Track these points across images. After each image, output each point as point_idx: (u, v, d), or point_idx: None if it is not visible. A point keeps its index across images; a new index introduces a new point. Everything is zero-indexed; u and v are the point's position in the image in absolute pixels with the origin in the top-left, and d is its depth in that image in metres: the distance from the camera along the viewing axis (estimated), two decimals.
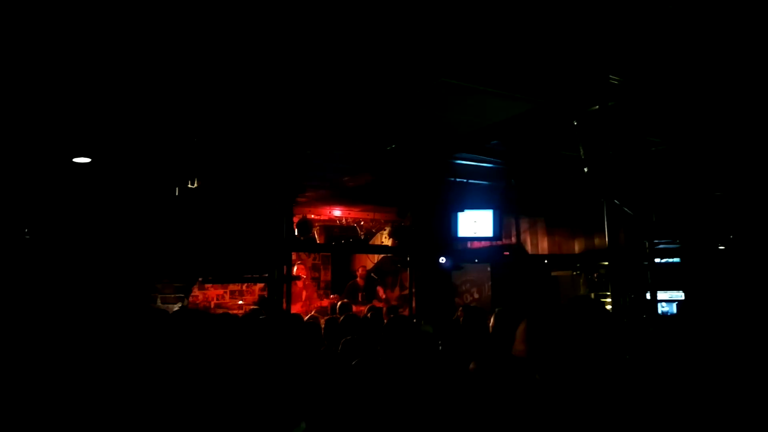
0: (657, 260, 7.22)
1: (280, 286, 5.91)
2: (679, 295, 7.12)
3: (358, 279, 9.72)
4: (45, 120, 4.13)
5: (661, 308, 7.14)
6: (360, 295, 9.60)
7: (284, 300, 7.09)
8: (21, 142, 4.45)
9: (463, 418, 2.13)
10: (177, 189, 5.59)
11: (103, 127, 4.41)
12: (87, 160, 4.89)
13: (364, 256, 10.33)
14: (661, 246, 6.13)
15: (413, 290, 7.93)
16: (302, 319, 6.54)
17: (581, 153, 4.42)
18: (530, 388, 2.10)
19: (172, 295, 6.65)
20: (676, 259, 6.81)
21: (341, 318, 5.76)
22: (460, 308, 5.75)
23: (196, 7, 2.95)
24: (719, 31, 3.54)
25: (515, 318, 4.28)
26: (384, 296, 9.83)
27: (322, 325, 5.49)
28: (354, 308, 8.23)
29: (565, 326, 1.70)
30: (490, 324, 4.95)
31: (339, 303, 8.20)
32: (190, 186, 5.70)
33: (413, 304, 7.83)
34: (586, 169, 4.32)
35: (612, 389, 1.59)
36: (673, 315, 6.89)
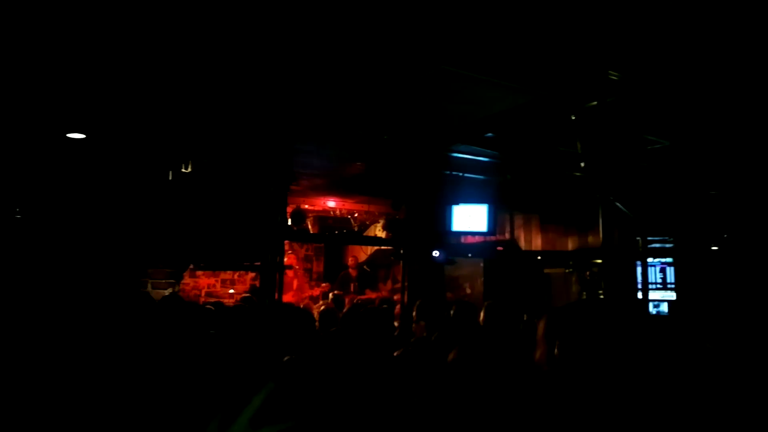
0: (650, 260, 7.26)
1: (272, 274, 5.88)
2: (671, 295, 7.17)
3: (350, 270, 9.71)
4: (40, 93, 4.07)
5: (654, 308, 7.17)
6: (352, 285, 9.59)
7: (276, 289, 7.08)
8: (14, 114, 4.39)
9: (444, 407, 2.13)
10: (170, 173, 5.54)
11: (99, 104, 4.36)
12: (81, 136, 4.82)
13: (357, 248, 10.31)
14: (654, 245, 6.16)
15: (405, 284, 7.93)
16: (295, 306, 6.52)
17: (578, 149, 4.41)
18: (523, 380, 2.10)
19: (163, 281, 6.61)
20: (669, 259, 6.85)
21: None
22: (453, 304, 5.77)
23: None
24: (717, 30, 3.54)
25: (505, 312, 4.29)
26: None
27: (315, 315, 5.49)
28: (347, 299, 8.23)
29: (586, 328, 1.68)
30: (481, 317, 4.98)
31: (332, 295, 8.19)
32: (183, 170, 5.65)
33: (405, 298, 7.83)
34: (582, 164, 4.31)
35: (618, 391, 1.59)
36: (665, 315, 6.93)
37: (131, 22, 3.23)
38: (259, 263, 5.87)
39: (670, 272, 7.17)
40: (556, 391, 1.63)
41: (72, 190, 5.19)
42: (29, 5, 2.92)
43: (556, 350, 1.68)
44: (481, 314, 4.98)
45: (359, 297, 8.55)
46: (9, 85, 3.90)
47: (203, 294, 9.20)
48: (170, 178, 5.66)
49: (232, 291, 9.51)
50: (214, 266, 7.68)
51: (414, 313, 4.81)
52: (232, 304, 7.15)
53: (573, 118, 4.36)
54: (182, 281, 8.18)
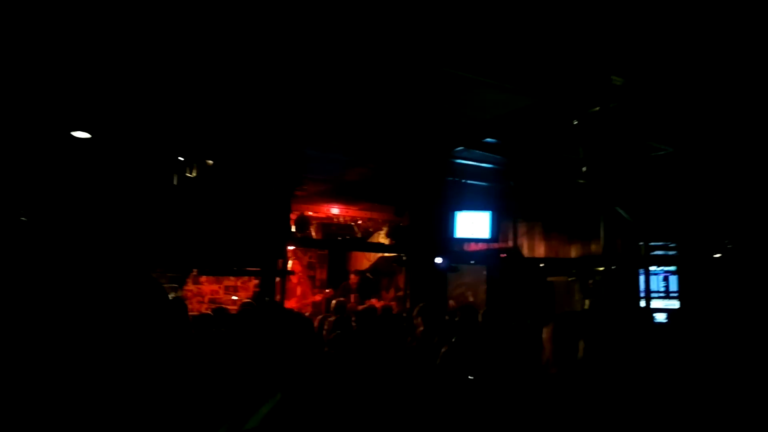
0: (653, 269, 7.21)
1: (274, 280, 5.86)
2: (674, 304, 7.09)
3: (350, 282, 9.70)
4: (44, 89, 4.09)
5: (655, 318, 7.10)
6: (352, 297, 9.56)
7: (278, 295, 7.06)
8: (20, 112, 4.39)
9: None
10: (176, 177, 5.55)
11: (106, 103, 4.38)
12: (86, 135, 4.83)
13: (360, 255, 10.29)
14: (657, 253, 6.11)
15: (408, 291, 7.89)
16: (295, 311, 6.48)
17: (580, 154, 4.40)
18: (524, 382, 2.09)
19: (166, 285, 6.62)
20: (672, 268, 6.79)
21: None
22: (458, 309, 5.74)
23: None
24: (720, 35, 3.54)
25: (501, 317, 4.28)
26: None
27: (315, 324, 5.46)
28: (349, 307, 8.19)
29: (594, 332, 1.68)
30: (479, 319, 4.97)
31: (334, 302, 8.17)
32: (188, 175, 5.66)
33: (407, 305, 7.78)
34: (584, 169, 4.29)
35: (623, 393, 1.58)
36: (664, 323, 6.85)
37: (140, 24, 3.25)
38: (260, 269, 5.85)
39: (673, 281, 7.11)
40: (571, 392, 1.61)
41: (76, 191, 5.19)
42: (35, 4, 2.94)
43: (565, 352, 1.67)
44: (479, 318, 4.99)
45: (360, 307, 8.50)
46: (13, 81, 3.92)
47: (206, 300, 9.16)
48: (175, 182, 5.67)
49: (235, 297, 9.48)
50: (216, 271, 7.65)
51: (416, 318, 4.80)
52: (235, 311, 7.13)
53: (575, 123, 4.35)
54: (185, 287, 8.18)
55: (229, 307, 8.33)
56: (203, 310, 8.13)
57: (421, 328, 4.62)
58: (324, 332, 5.21)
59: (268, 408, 1.06)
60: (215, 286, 9.23)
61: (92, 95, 4.21)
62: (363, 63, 3.53)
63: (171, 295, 6.33)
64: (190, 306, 7.25)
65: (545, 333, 1.79)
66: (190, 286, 8.81)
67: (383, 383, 2.55)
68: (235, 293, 9.64)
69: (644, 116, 4.48)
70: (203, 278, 8.93)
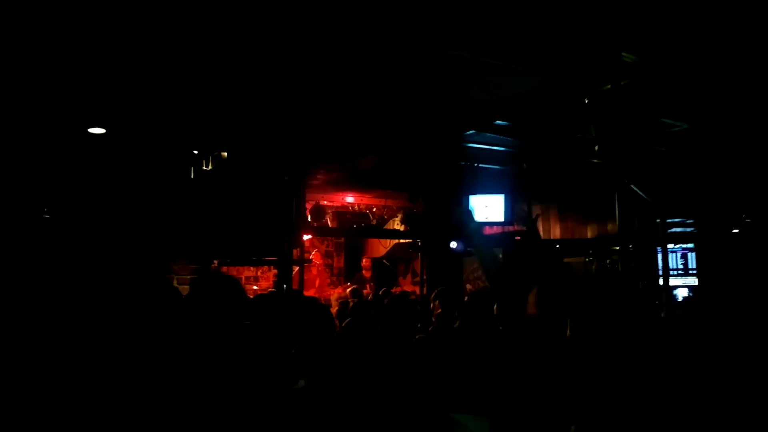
0: (671, 246, 7.13)
1: (291, 268, 5.91)
2: (693, 281, 7.02)
3: (363, 271, 9.76)
4: (59, 87, 4.16)
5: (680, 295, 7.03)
6: (368, 285, 9.63)
7: (297, 284, 7.13)
8: (35, 109, 4.48)
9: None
10: (192, 170, 5.63)
11: (121, 100, 4.44)
12: (102, 131, 4.90)
13: (376, 243, 10.33)
14: (675, 230, 6.02)
15: (424, 277, 7.92)
16: (313, 298, 6.57)
17: (593, 133, 4.35)
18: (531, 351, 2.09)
19: (188, 277, 6.72)
20: (690, 245, 6.70)
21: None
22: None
23: None
24: (735, 6, 3.45)
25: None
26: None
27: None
28: (364, 294, 8.26)
29: (576, 291, 1.69)
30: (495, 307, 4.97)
31: (350, 289, 8.24)
32: (204, 168, 5.74)
33: (424, 290, 7.82)
34: (597, 147, 4.24)
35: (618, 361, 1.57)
36: (686, 300, 6.78)
37: (151, 19, 3.29)
38: (277, 258, 5.90)
39: (692, 258, 7.03)
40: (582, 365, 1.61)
41: (96, 187, 5.30)
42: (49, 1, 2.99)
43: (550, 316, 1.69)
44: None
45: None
46: (27, 81, 3.99)
47: None
48: (192, 175, 5.75)
49: (255, 287, 9.61)
50: (236, 261, 7.75)
51: (434, 301, 4.82)
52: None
53: (587, 102, 4.29)
54: None
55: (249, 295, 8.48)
56: None
57: (439, 311, 4.65)
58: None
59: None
60: (236, 276, 9.37)
61: (106, 92, 4.28)
62: (370, 49, 3.52)
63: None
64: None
65: (531, 297, 1.83)
66: None
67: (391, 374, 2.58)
68: (256, 283, 9.77)
69: (657, 92, 4.40)
70: (224, 269, 9.06)
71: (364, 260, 9.81)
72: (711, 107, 4.71)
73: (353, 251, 10.69)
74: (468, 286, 8.60)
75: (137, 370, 2.17)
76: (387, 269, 10.02)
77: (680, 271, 7.25)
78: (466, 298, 5.36)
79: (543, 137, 5.53)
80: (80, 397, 2.13)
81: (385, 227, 9.72)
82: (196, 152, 5.58)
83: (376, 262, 10.04)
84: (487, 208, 6.86)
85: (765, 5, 3.38)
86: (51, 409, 2.12)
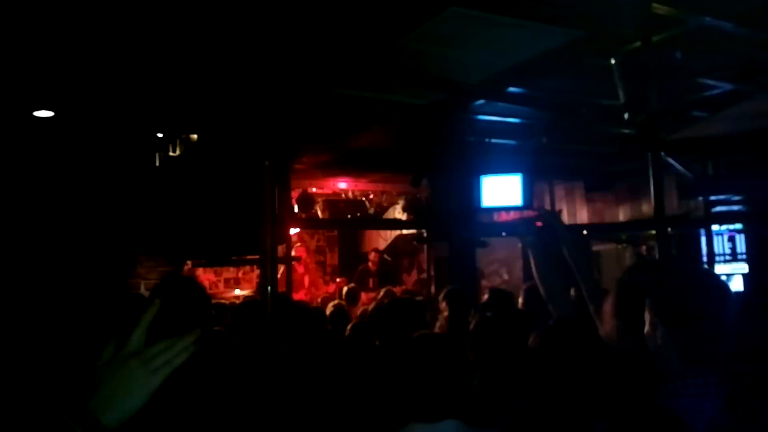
0: (716, 228, 7.16)
1: (276, 268, 5.94)
2: (743, 267, 7.04)
3: (369, 264, 9.81)
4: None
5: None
6: (371, 281, 9.69)
7: (285, 286, 7.16)
8: None
9: None
10: (157, 156, 5.64)
11: (71, 78, 4.43)
12: (49, 113, 4.89)
13: (375, 235, 10.39)
14: (721, 209, 6.03)
15: (431, 273, 7.96)
16: (304, 303, 6.62)
17: (621, 98, 4.34)
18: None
19: (156, 282, 6.77)
20: (739, 226, 6.72)
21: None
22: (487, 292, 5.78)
23: None
24: None
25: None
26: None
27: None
28: (363, 295, 8.33)
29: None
30: (520, 303, 4.99)
31: (345, 289, 8.29)
32: (171, 154, 5.75)
33: (432, 289, 7.86)
34: (626, 116, 4.25)
35: None
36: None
37: None
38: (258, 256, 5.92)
39: (741, 241, 7.05)
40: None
41: (44, 179, 5.31)
42: None
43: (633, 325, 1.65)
44: (520, 299, 5.01)
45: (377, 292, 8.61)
46: None
47: None
48: (157, 163, 5.76)
49: (237, 291, 9.66)
50: (212, 261, 7.79)
51: (441, 301, 4.85)
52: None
53: (613, 62, 4.29)
54: None
55: (230, 302, 8.54)
56: None
57: (446, 313, 4.68)
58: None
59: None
60: (212, 277, 9.43)
61: (53, 69, 4.27)
62: (360, 4, 3.52)
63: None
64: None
65: (607, 306, 1.78)
66: None
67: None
68: (237, 286, 9.83)
69: (696, 49, 4.39)
70: (199, 270, 9.12)
71: (372, 254, 9.87)
72: (759, 64, 4.71)
73: (349, 246, 10.75)
74: (484, 282, 8.65)
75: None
76: (389, 265, 10.08)
77: (728, 257, 7.28)
78: (485, 297, 5.41)
79: (564, 105, 5.52)
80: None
81: (384, 216, 9.76)
82: (160, 135, 5.58)
83: (376, 257, 10.10)
84: (503, 190, 6.88)
85: None
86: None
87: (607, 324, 1.77)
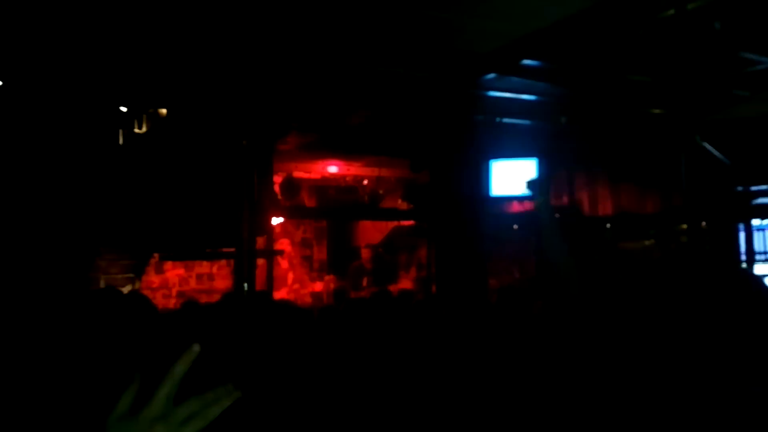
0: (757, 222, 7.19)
1: (254, 262, 5.96)
2: None
3: (363, 261, 9.85)
4: None
5: None
6: (366, 279, 9.73)
7: (266, 283, 7.20)
8: None
9: None
10: (121, 134, 5.63)
11: (22, 43, 4.42)
12: None
13: (369, 226, 10.41)
14: (760, 201, 6.06)
15: (432, 270, 8.00)
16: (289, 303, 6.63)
17: (651, 74, 4.37)
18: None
19: (120, 276, 6.78)
20: None
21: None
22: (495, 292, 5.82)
23: None
24: None
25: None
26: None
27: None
28: (353, 295, 8.37)
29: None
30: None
31: (333, 289, 8.34)
32: (137, 131, 5.74)
33: (433, 288, 7.90)
34: (657, 94, 4.27)
35: None
36: None
37: None
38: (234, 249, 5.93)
39: None
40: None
41: None
42: None
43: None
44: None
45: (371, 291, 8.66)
46: None
47: (174, 293, 9.40)
48: (121, 141, 5.75)
49: (210, 287, 9.69)
50: (183, 255, 7.81)
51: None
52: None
53: (642, 33, 4.30)
54: (146, 277, 8.38)
55: (204, 299, 8.57)
56: (171, 306, 8.35)
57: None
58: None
59: (183, 367, 1.10)
60: (182, 272, 9.44)
61: None
62: None
63: (127, 288, 6.50)
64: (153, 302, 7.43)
65: None
66: (152, 276, 9.03)
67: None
68: (211, 282, 9.85)
69: (736, 20, 4.40)
70: (168, 264, 9.14)
71: (365, 249, 9.92)
72: None
73: (339, 239, 10.76)
74: (493, 281, 8.68)
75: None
76: (384, 262, 10.11)
77: None
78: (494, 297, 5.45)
79: (586, 82, 5.53)
80: None
81: (380, 206, 9.76)
82: (124, 110, 5.56)
83: (371, 253, 10.13)
84: (514, 177, 6.90)
85: None
86: None
87: None
